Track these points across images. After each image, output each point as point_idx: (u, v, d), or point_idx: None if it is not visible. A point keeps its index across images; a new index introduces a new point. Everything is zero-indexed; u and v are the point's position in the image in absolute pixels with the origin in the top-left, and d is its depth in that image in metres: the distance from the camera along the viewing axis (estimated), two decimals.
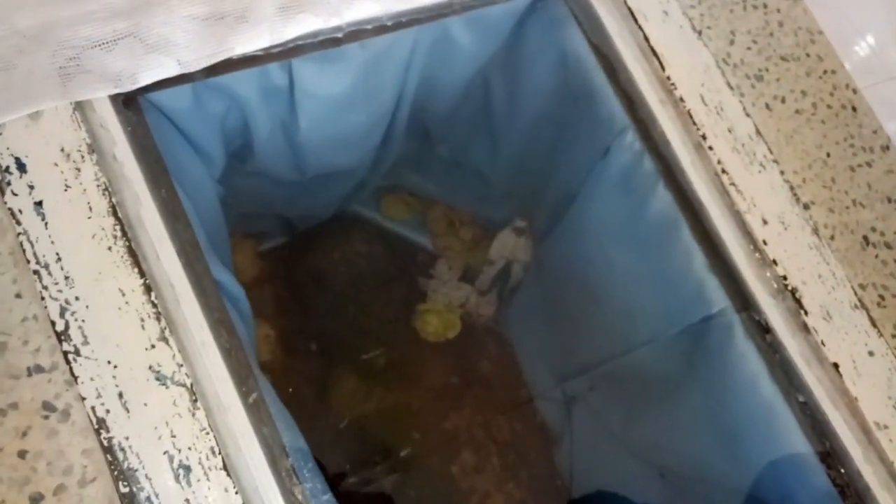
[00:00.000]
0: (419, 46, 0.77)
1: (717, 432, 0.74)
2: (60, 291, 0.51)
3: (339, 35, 0.66)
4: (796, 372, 0.64)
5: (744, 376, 0.67)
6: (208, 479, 0.49)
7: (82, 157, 0.55)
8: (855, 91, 0.78)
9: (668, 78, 0.70)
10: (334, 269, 1.27)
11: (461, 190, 1.26)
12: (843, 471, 0.63)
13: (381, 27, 0.68)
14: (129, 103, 0.59)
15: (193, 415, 0.50)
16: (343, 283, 1.28)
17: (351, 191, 1.11)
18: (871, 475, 0.62)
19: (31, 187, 0.53)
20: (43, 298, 0.51)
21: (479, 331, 1.38)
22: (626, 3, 0.71)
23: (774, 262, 0.66)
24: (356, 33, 0.67)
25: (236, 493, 0.49)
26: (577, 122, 0.79)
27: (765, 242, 0.66)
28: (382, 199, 1.37)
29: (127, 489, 0.48)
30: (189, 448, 0.50)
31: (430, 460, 1.20)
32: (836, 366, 0.64)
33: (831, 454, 0.63)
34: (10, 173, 0.53)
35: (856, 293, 0.67)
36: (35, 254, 0.52)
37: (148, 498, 0.48)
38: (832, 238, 0.70)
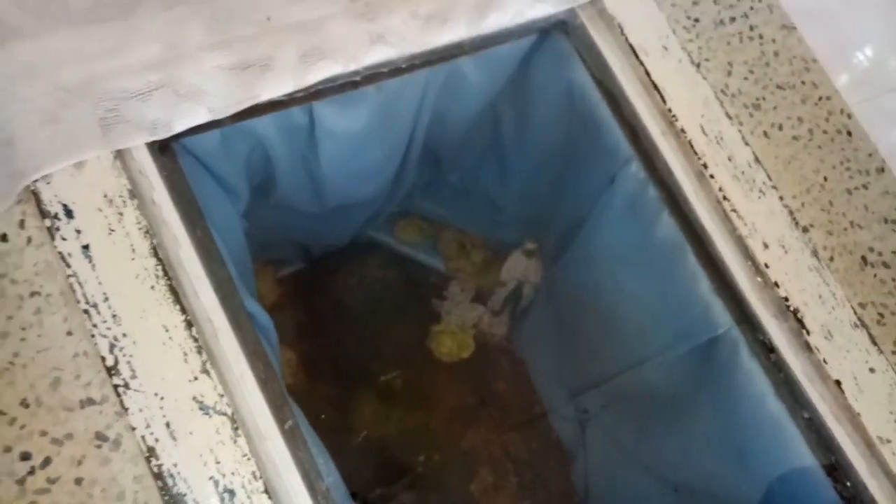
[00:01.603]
0: (431, 85, 0.81)
1: (727, 447, 0.76)
2: (109, 329, 0.55)
3: (357, 78, 0.70)
4: (800, 389, 0.67)
5: (750, 394, 0.70)
6: (251, 503, 0.53)
7: (124, 202, 0.59)
8: (849, 116, 0.82)
9: (670, 110, 0.74)
10: (351, 293, 1.31)
11: (472, 215, 1.30)
12: (848, 484, 0.65)
13: (395, 69, 0.72)
14: (165, 149, 0.63)
15: (235, 442, 0.54)
16: (360, 307, 1.31)
17: (367, 219, 1.15)
18: (875, 488, 0.64)
19: (79, 232, 0.57)
20: (93, 336, 0.55)
21: (493, 350, 1.41)
22: (627, 39, 0.76)
23: (776, 284, 0.69)
24: (373, 76, 0.71)
25: None
26: (583, 152, 0.83)
27: (766, 266, 0.70)
28: (396, 224, 1.41)
29: None
30: (232, 473, 0.53)
31: (449, 479, 1.23)
32: (838, 383, 0.67)
33: (837, 468, 0.66)
34: (59, 219, 0.58)
35: (856, 312, 0.70)
36: (84, 294, 0.56)
37: None
38: (831, 259, 0.73)
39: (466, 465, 1.24)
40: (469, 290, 1.43)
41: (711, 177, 0.72)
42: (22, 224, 0.58)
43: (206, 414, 0.54)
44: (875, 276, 0.74)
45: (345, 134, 0.79)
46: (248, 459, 0.54)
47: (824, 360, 0.67)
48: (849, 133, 0.81)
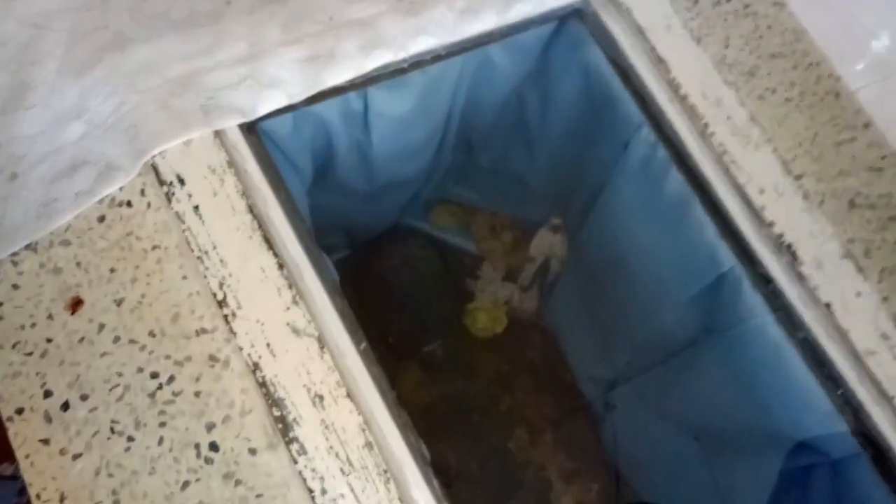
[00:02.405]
0: (466, 70, 0.94)
1: (736, 378, 0.87)
2: (218, 271, 0.68)
3: (405, 65, 0.83)
4: (796, 313, 0.77)
5: (753, 322, 0.80)
6: (336, 404, 0.65)
7: (224, 171, 0.72)
8: (837, 79, 0.92)
9: (674, 79, 0.85)
10: (393, 272, 1.44)
11: (501, 196, 1.42)
12: (840, 392, 0.75)
13: (436, 56, 0.84)
14: (251, 129, 0.76)
15: (322, 358, 0.66)
16: (402, 285, 1.44)
17: (409, 200, 1.28)
18: (864, 394, 0.74)
19: (190, 195, 0.71)
20: (205, 277, 0.68)
21: (524, 325, 1.52)
22: (635, 21, 0.87)
23: (771, 223, 0.80)
24: (418, 63, 0.83)
25: (358, 414, 0.65)
26: (599, 124, 0.94)
27: (763, 208, 0.80)
28: (432, 211, 1.53)
29: (279, 413, 0.64)
30: (321, 382, 0.65)
31: (489, 437, 1.34)
32: (828, 305, 0.77)
33: (830, 379, 0.76)
34: (174, 186, 0.71)
35: (843, 246, 0.80)
36: (197, 244, 0.69)
37: (294, 419, 0.64)
38: (822, 202, 0.83)
39: (504, 424, 1.36)
40: (500, 270, 1.55)
41: (712, 134, 0.83)
42: (143, 192, 0.71)
43: (298, 336, 0.67)
44: (862, 216, 0.83)
45: (393, 116, 0.91)
46: (333, 371, 0.66)
47: (815, 287, 0.77)
48: (837, 94, 0.91)
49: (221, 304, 0.67)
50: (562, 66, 0.95)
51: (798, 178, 0.83)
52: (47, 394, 0.64)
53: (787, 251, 0.79)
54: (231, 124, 0.74)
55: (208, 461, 0.64)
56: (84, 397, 0.65)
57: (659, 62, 0.85)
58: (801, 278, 0.78)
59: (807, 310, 0.77)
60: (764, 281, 0.79)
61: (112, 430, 0.64)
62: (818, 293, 0.77)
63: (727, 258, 0.81)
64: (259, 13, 0.77)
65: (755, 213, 0.80)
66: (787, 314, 0.78)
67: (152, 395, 0.65)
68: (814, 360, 0.77)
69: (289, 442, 0.64)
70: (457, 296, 1.52)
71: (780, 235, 0.79)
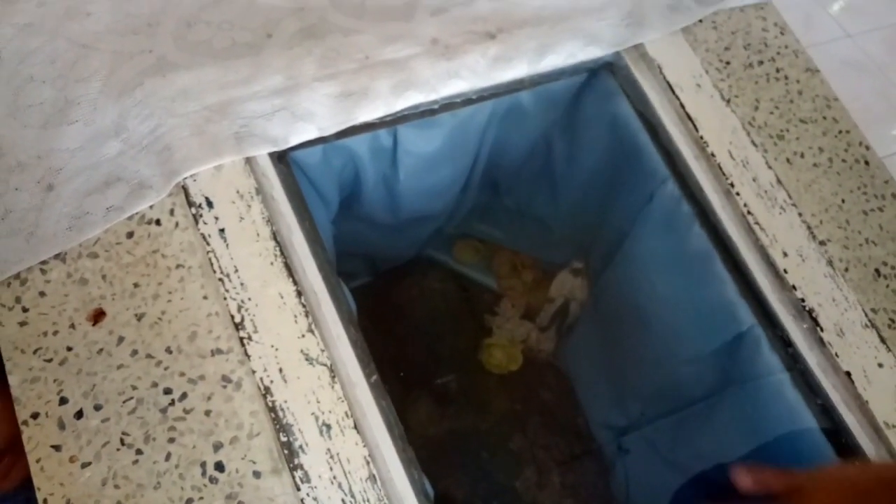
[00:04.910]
0: (495, 114, 0.95)
1: (749, 436, 0.85)
2: (238, 294, 0.70)
3: (436, 107, 0.85)
4: (815, 379, 0.76)
5: (771, 384, 0.79)
6: (343, 435, 0.65)
7: (252, 197, 0.74)
8: (868, 148, 0.92)
9: (702, 137, 0.85)
10: (412, 303, 1.45)
11: (524, 236, 1.42)
12: (857, 463, 0.74)
13: (467, 100, 0.86)
14: (282, 158, 0.79)
15: (332, 387, 0.67)
16: (420, 316, 1.45)
17: (432, 234, 1.29)
18: None
19: (217, 218, 0.73)
20: (225, 299, 0.69)
21: (540, 365, 1.51)
22: (665, 77, 0.88)
23: (794, 287, 0.79)
24: (448, 105, 0.85)
25: (364, 446, 0.65)
26: (625, 175, 0.95)
27: (785, 271, 0.80)
28: (454, 245, 1.54)
29: (285, 439, 0.64)
30: (329, 411, 0.66)
31: (497, 475, 1.32)
32: (848, 374, 0.75)
33: (848, 450, 0.74)
34: (202, 208, 0.73)
35: (867, 315, 0.79)
36: (220, 267, 0.70)
37: (301, 446, 0.64)
38: (846, 270, 0.82)
39: (512, 463, 1.34)
40: (519, 308, 1.54)
41: (737, 194, 0.83)
42: (172, 212, 0.73)
43: (311, 364, 0.68)
44: (888, 286, 0.82)
45: (421, 154, 0.93)
46: (342, 401, 0.67)
47: (836, 354, 0.76)
48: (866, 162, 0.90)
49: (238, 326, 0.69)
50: (591, 115, 0.96)
51: (822, 243, 0.82)
52: (63, 401, 0.66)
53: (809, 316, 0.78)
54: (262, 152, 0.76)
55: (213, 480, 0.64)
56: (98, 407, 0.66)
57: (687, 119, 0.86)
58: (821, 344, 0.77)
59: (826, 377, 0.76)
60: (784, 344, 0.78)
61: (122, 442, 0.65)
62: (839, 361, 0.76)
63: (747, 317, 0.81)
64: (297, 48, 0.80)
65: (777, 276, 0.79)
66: (805, 379, 0.77)
67: (164, 411, 0.66)
68: (831, 429, 0.75)
69: (293, 468, 0.64)
70: (474, 330, 1.52)
71: (802, 300, 0.78)
